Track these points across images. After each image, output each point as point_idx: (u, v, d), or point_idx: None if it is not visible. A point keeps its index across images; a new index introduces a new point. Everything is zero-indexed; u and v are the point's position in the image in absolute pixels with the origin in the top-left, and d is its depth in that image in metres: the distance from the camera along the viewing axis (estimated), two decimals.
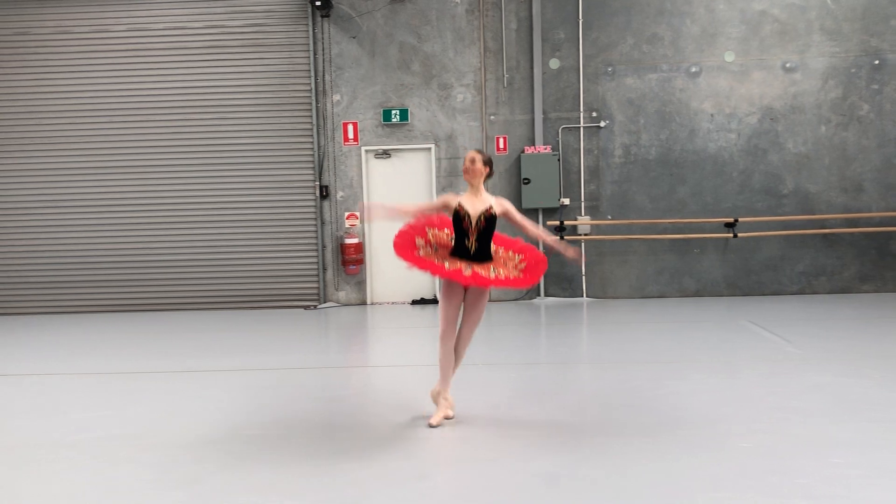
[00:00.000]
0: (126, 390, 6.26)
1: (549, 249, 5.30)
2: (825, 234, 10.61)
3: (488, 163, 5.04)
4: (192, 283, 10.99)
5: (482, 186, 5.00)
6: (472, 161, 4.97)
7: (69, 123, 10.98)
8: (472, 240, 4.87)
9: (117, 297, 11.00)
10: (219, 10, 10.87)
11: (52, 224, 11.04)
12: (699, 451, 4.33)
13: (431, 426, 4.85)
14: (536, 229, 5.15)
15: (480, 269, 4.75)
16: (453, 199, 4.96)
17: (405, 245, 4.92)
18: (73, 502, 3.86)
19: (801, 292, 10.70)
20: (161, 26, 10.90)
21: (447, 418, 4.97)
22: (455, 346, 5.02)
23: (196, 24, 10.88)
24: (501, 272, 4.82)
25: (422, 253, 4.90)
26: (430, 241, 5.04)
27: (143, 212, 11.00)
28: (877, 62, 10.51)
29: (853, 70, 10.55)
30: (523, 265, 4.96)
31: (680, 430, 4.71)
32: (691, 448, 4.38)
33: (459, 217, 4.89)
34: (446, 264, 4.76)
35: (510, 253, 5.06)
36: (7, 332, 9.60)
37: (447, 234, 5.08)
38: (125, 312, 10.90)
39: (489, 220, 4.89)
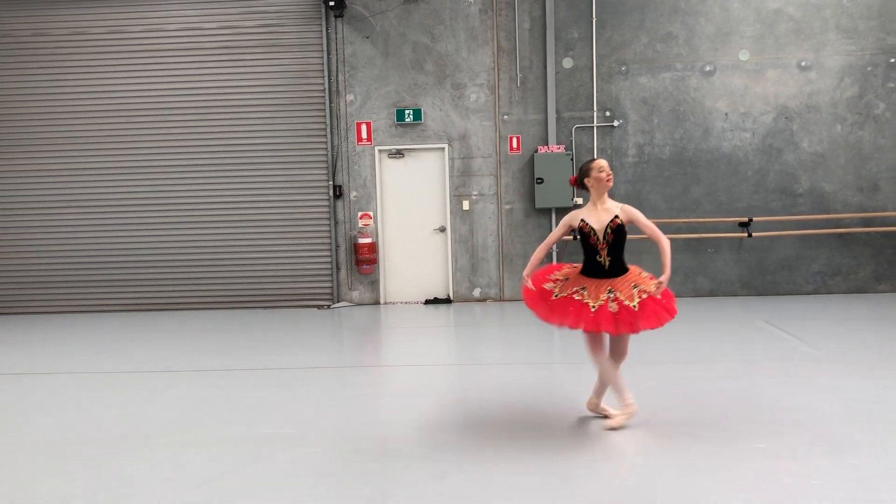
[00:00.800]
0: (141, 389, 6.30)
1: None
2: (841, 234, 10.55)
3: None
4: (207, 283, 11.06)
5: (606, 195, 4.77)
6: (609, 173, 4.72)
7: (85, 124, 11.06)
8: (604, 255, 4.64)
9: (133, 296, 11.07)
10: (233, 10, 10.92)
11: (69, 224, 11.12)
12: (715, 451, 4.32)
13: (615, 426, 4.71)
14: (662, 240, 4.64)
15: (621, 293, 4.49)
16: (575, 218, 4.77)
17: (536, 299, 4.75)
18: (91, 500, 3.90)
19: (816, 292, 10.64)
20: (175, 27, 10.96)
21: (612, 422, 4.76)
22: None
23: (210, 25, 10.94)
24: (615, 299, 4.50)
25: (555, 289, 4.69)
26: (558, 279, 4.79)
27: (157, 212, 11.07)
28: (893, 60, 10.43)
29: (869, 68, 10.47)
30: (641, 297, 4.54)
31: (696, 431, 4.70)
32: (707, 449, 4.37)
33: (585, 234, 4.69)
34: (591, 304, 4.50)
35: (638, 276, 4.69)
36: (25, 330, 9.69)
37: (568, 269, 4.84)
38: (140, 312, 10.98)
39: (616, 231, 4.64)
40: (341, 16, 10.81)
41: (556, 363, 6.98)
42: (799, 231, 10.52)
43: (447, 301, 10.94)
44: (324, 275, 11.05)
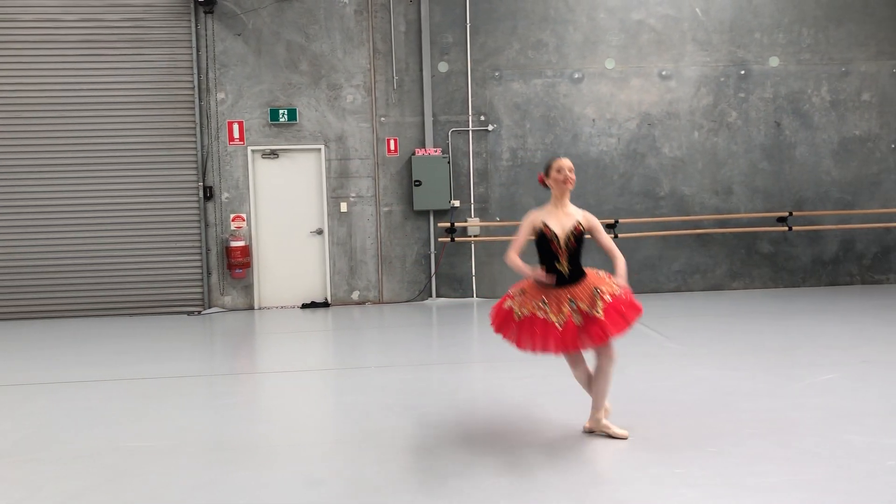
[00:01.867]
0: None
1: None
2: (699, 235, 11.19)
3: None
4: (69, 289, 10.40)
5: (568, 199, 4.55)
6: (571, 169, 4.51)
7: None
8: (563, 262, 4.41)
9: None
10: (95, 2, 10.35)
11: None
12: (583, 445, 4.47)
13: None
14: (618, 256, 4.57)
15: (583, 303, 4.30)
16: (537, 220, 4.51)
17: (502, 321, 4.51)
18: None
19: (677, 290, 11.24)
20: (30, 17, 10.27)
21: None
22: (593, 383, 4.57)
23: (70, 17, 10.32)
24: (604, 290, 4.34)
25: (515, 306, 4.41)
26: (513, 294, 4.54)
27: (11, 214, 10.32)
28: (743, 72, 11.18)
29: (722, 79, 11.18)
30: (605, 302, 4.33)
31: (566, 425, 4.84)
32: (573, 443, 4.52)
33: (546, 239, 4.45)
34: (556, 322, 4.27)
35: (600, 280, 4.46)
36: None
37: (524, 282, 4.57)
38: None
39: (579, 238, 4.45)
40: (211, 12, 10.47)
41: (435, 364, 7.03)
42: (661, 232, 11.08)
43: (325, 305, 10.81)
44: (194, 279, 10.65)
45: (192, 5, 10.40)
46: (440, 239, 10.83)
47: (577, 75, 11.03)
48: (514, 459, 4.28)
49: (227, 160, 10.66)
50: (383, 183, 10.86)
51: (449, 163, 10.77)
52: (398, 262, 10.93)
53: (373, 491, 3.88)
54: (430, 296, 10.98)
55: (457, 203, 10.89)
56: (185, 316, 10.33)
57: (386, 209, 10.87)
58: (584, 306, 4.32)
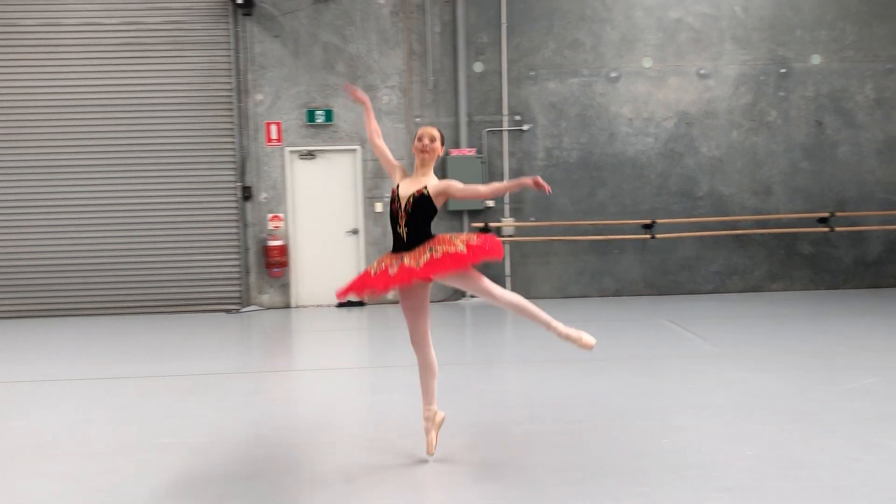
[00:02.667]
0: (35, 398, 6.01)
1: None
2: (737, 235, 11.03)
3: (444, 140, 4.39)
4: (111, 287, 10.62)
5: (430, 169, 4.32)
6: (432, 139, 4.27)
7: None
8: (402, 226, 4.20)
9: (31, 301, 10.52)
10: (136, 6, 10.55)
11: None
12: (620, 446, 4.45)
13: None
14: (491, 185, 4.35)
15: (411, 259, 4.08)
16: (395, 178, 4.36)
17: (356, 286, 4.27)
18: None
19: (715, 291, 11.09)
20: (74, 21, 10.51)
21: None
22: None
23: (112, 21, 10.54)
24: (439, 249, 4.11)
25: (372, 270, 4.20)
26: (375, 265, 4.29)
27: (58, 214, 10.57)
28: (783, 70, 11.00)
29: (762, 77, 11.01)
30: (470, 242, 4.20)
31: (598, 427, 4.82)
32: (612, 444, 4.49)
33: (391, 199, 4.30)
34: (372, 270, 4.16)
35: (454, 238, 4.26)
36: None
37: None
38: (39, 318, 10.45)
39: (418, 201, 4.19)
40: (250, 14, 10.60)
41: (467, 364, 7.03)
42: (699, 233, 10.95)
43: (360, 304, 10.87)
44: (233, 278, 10.80)
45: (230, 7, 10.54)
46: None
47: (613, 74, 10.95)
48: (545, 460, 4.26)
49: (265, 161, 10.79)
50: None
51: (483, 163, 10.77)
52: None
53: (408, 489, 3.90)
54: (464, 296, 10.99)
55: (491, 203, 10.88)
56: (224, 314, 10.48)
57: None
58: (407, 261, 4.09)
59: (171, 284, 10.69)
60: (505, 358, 7.38)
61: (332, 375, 6.72)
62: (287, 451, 4.59)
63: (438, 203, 4.26)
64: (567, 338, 4.42)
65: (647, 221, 10.86)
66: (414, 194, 4.21)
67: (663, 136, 11.00)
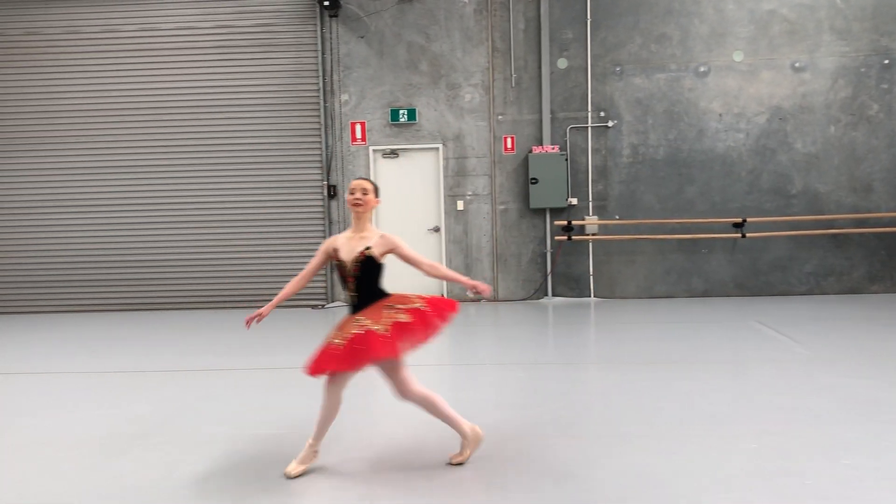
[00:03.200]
0: (130, 388, 6.28)
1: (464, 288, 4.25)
2: (834, 235, 10.57)
3: (377, 191, 4.30)
4: (200, 282, 11.02)
5: (368, 222, 4.22)
6: (364, 191, 4.16)
7: (77, 123, 11.03)
8: (351, 289, 4.12)
9: (125, 296, 11.03)
10: (228, 10, 10.90)
11: (60, 223, 11.08)
12: (707, 451, 4.32)
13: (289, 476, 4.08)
14: (436, 267, 4.23)
15: (369, 320, 3.96)
16: (330, 245, 4.23)
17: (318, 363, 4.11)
18: (79, 499, 3.88)
19: (809, 293, 10.66)
20: (170, 26, 10.94)
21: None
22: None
23: (205, 24, 10.92)
24: (400, 307, 4.01)
25: (335, 339, 4.05)
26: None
27: (150, 211, 11.04)
28: (887, 62, 10.46)
29: (863, 70, 10.50)
30: (421, 306, 4.06)
31: (687, 430, 4.69)
32: (699, 448, 4.37)
33: (335, 265, 4.21)
34: (337, 342, 4.00)
35: (402, 300, 4.12)
36: (16, 330, 9.65)
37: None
38: (132, 311, 10.94)
39: (363, 264, 4.09)
40: (336, 15, 10.80)
41: (549, 363, 6.97)
42: (792, 232, 10.53)
43: None
44: (318, 275, 11.01)
45: (318, 10, 10.76)
46: (556, 237, 10.73)
47: (702, 69, 10.65)
48: (627, 464, 4.18)
49: (349, 160, 10.96)
50: (499, 181, 10.87)
51: (567, 160, 10.66)
52: (514, 260, 10.91)
53: (484, 488, 3.89)
54: (546, 295, 10.90)
55: (574, 201, 10.76)
56: (310, 310, 10.71)
57: (502, 207, 10.88)
58: (368, 323, 3.94)
59: (259, 280, 11.00)
60: (588, 358, 7.28)
61: (413, 371, 6.76)
62: (368, 444, 4.64)
63: (381, 259, 4.16)
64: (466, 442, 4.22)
65: (738, 220, 10.53)
66: (358, 257, 4.10)
67: (755, 132, 10.63)
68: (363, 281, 4.11)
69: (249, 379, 6.49)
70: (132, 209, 11.00)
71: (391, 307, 4.02)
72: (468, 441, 4.23)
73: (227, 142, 10.97)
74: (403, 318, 3.96)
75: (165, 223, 11.02)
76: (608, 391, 5.82)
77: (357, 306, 4.12)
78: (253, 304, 10.98)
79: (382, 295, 4.13)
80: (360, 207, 4.16)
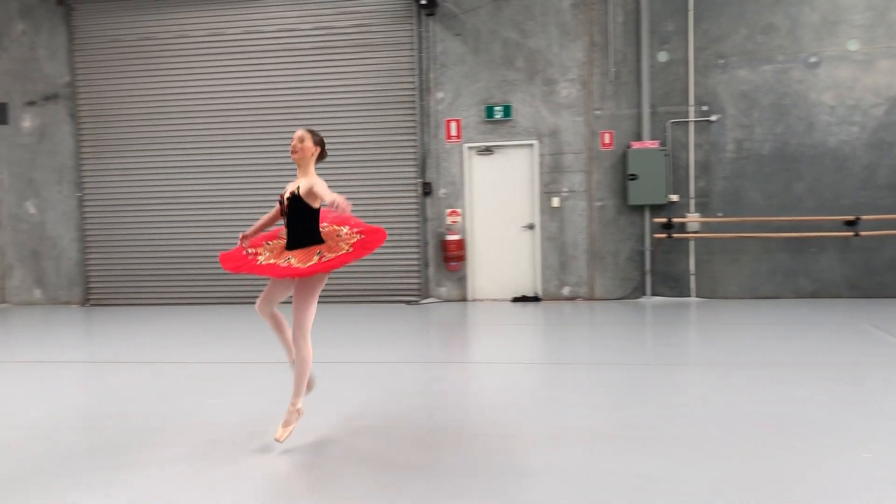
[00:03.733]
0: (235, 378, 6.50)
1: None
2: None
3: (320, 143, 4.58)
4: None
5: (310, 169, 4.50)
6: (301, 139, 4.50)
7: (185, 123, 11.53)
8: (285, 226, 4.42)
9: (226, 289, 11.45)
10: (328, 11, 11.15)
11: (166, 220, 11.59)
12: (816, 459, 4.11)
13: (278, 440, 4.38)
14: (333, 195, 4.28)
15: (296, 258, 4.24)
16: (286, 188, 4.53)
17: (229, 258, 4.52)
18: (190, 483, 4.04)
19: None
20: (273, 28, 11.27)
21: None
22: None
23: (306, 26, 11.20)
24: (293, 260, 4.23)
25: (260, 256, 4.40)
26: (267, 247, 4.53)
27: (253, 208, 11.40)
28: None
29: None
30: (356, 239, 4.43)
31: (794, 437, 4.48)
32: (807, 456, 4.16)
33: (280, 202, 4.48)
34: (260, 259, 4.35)
35: (345, 230, 4.50)
36: (122, 321, 10.16)
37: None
38: (233, 305, 11.34)
39: (291, 202, 4.37)
40: (433, 14, 10.87)
41: (646, 364, 6.80)
42: None
43: (535, 299, 10.85)
44: (413, 271, 11.15)
45: (414, 8, 10.86)
46: (656, 235, 10.47)
47: (812, 59, 10.15)
48: (725, 470, 4.02)
49: (444, 157, 11.02)
50: (596, 177, 10.69)
51: (667, 155, 10.37)
52: (611, 258, 10.71)
53: (583, 489, 3.82)
54: (644, 294, 10.64)
55: (675, 197, 10.46)
56: (405, 305, 10.83)
57: (599, 204, 10.69)
58: (293, 261, 4.23)
59: (356, 276, 11.20)
60: (688, 359, 7.06)
61: (507, 369, 6.73)
62: (461, 441, 4.64)
63: (312, 202, 4.35)
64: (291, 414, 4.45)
65: (851, 218, 9.99)
66: (288, 196, 4.39)
67: (871, 125, 10.05)
68: (294, 219, 4.37)
69: (345, 371, 6.61)
70: (235, 207, 11.40)
71: (321, 254, 4.27)
72: (297, 416, 4.46)
73: (326, 141, 11.19)
74: (328, 256, 4.24)
75: None
76: (707, 394, 5.62)
77: (290, 244, 4.38)
78: (350, 300, 11.20)
79: (315, 240, 4.37)
80: (296, 155, 4.50)
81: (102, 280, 11.88)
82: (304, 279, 4.29)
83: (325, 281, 4.44)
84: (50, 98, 11.81)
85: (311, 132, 4.58)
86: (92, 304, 11.86)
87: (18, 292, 12.09)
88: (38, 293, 12.04)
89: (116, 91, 11.67)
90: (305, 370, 4.44)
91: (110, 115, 11.71)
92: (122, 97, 11.66)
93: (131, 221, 11.75)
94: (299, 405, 4.49)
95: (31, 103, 11.85)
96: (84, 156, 11.81)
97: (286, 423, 4.44)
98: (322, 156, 4.65)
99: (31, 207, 11.97)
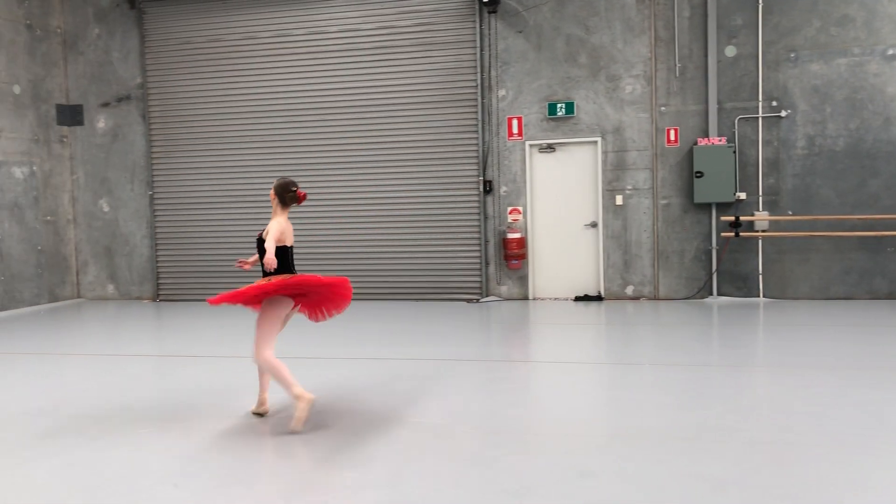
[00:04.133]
0: (306, 369, 6.59)
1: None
2: None
3: (277, 189, 5.26)
4: (358, 275, 11.42)
5: (280, 213, 5.24)
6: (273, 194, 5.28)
7: (251, 123, 11.74)
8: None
9: None
10: (390, 11, 11.22)
11: (236, 217, 11.83)
12: (888, 465, 3.95)
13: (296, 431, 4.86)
14: (268, 252, 4.95)
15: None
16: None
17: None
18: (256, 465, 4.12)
19: None
20: (336, 29, 11.40)
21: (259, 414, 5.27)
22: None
23: (368, 26, 11.29)
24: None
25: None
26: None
27: (315, 207, 11.56)
28: None
29: None
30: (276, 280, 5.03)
31: (867, 441, 4.31)
32: (881, 461, 4.00)
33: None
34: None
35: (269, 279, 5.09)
36: (192, 316, 10.42)
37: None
38: None
39: (258, 242, 5.20)
40: (495, 11, 10.83)
41: (713, 365, 6.65)
42: None
43: (598, 298, 10.72)
44: (473, 269, 11.14)
45: (476, 6, 10.84)
46: (723, 234, 10.23)
47: (891, 52, 9.77)
48: (796, 476, 3.89)
49: (505, 155, 10.98)
50: (661, 175, 10.50)
51: (735, 152, 10.12)
52: (676, 257, 10.51)
53: (647, 490, 3.76)
54: (711, 294, 10.41)
55: (742, 195, 10.20)
56: (465, 303, 10.83)
57: (664, 202, 10.50)
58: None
59: (417, 273, 11.25)
60: (757, 361, 6.87)
61: (569, 369, 6.67)
62: (523, 439, 4.62)
63: (268, 244, 4.98)
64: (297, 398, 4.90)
65: None
66: (258, 237, 5.24)
67: None
68: (260, 254, 5.19)
69: (406, 369, 6.64)
70: (294, 208, 11.55)
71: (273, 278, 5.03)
72: (301, 403, 4.84)
73: (387, 140, 11.29)
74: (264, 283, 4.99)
75: (326, 219, 11.51)
76: (778, 396, 5.46)
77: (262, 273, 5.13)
78: (410, 297, 11.25)
79: (284, 270, 5.11)
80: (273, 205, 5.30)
81: (172, 276, 12.21)
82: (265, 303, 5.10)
83: (282, 309, 5.08)
84: (123, 99, 12.20)
85: (275, 182, 5.34)
86: (161, 300, 12.20)
87: (93, 287, 12.52)
88: (111, 288, 12.45)
89: (185, 92, 11.98)
90: (277, 374, 4.92)
91: (179, 115, 12.03)
92: (190, 98, 11.96)
93: (199, 219, 12.04)
94: (297, 392, 4.86)
95: (106, 105, 12.26)
96: (155, 155, 12.16)
97: (298, 414, 4.85)
98: (284, 203, 5.28)
99: (104, 205, 12.39)
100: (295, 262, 5.27)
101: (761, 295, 10.28)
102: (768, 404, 5.29)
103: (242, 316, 10.15)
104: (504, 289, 11.07)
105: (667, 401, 5.39)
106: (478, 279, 11.12)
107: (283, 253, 5.09)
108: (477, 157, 11.02)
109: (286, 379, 4.88)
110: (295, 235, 5.41)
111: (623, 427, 4.80)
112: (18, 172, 11.38)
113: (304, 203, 5.65)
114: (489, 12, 10.85)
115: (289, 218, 5.29)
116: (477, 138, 11.00)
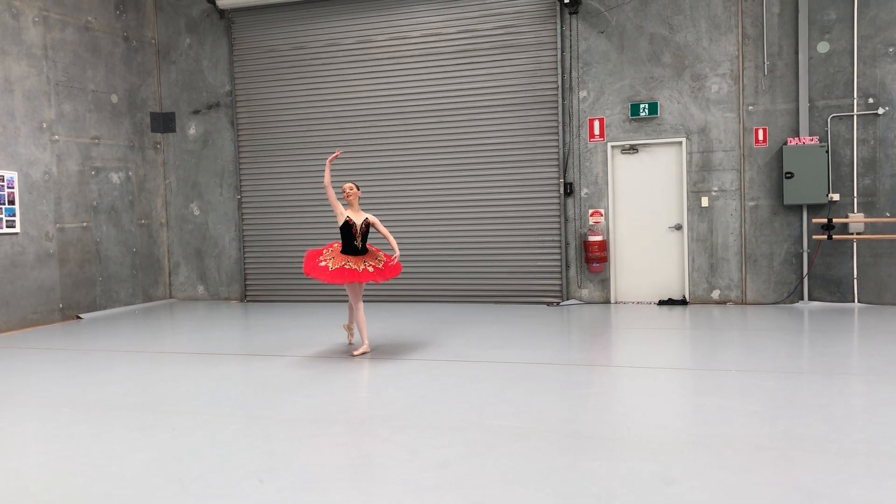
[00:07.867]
0: (382, 375, 6.69)
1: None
2: None
3: (358, 187, 7.61)
4: (440, 277, 11.50)
5: (357, 204, 7.49)
6: (352, 188, 7.47)
7: (334, 128, 11.99)
8: (359, 240, 7.39)
9: (369, 289, 11.80)
10: (472, 14, 11.27)
11: (320, 220, 12.08)
12: None
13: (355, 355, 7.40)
14: (390, 238, 7.50)
15: (361, 264, 7.30)
16: (343, 214, 7.39)
17: (315, 271, 7.27)
18: (337, 474, 4.20)
19: None
20: (418, 33, 11.53)
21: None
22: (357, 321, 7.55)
23: (450, 30, 11.37)
24: (370, 265, 7.35)
25: (329, 264, 7.26)
26: (328, 257, 7.37)
27: (397, 210, 11.71)
28: None
29: None
30: (382, 263, 7.50)
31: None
32: None
33: (349, 225, 7.36)
34: (356, 268, 7.27)
35: (376, 252, 7.60)
36: (277, 315, 10.70)
37: (333, 250, 7.49)
38: (375, 303, 11.68)
39: (364, 227, 7.44)
40: (576, 12, 10.75)
41: (804, 373, 6.42)
42: None
43: (683, 302, 10.49)
44: (554, 272, 11.07)
45: (557, 8, 10.78)
46: (815, 236, 9.86)
47: None
48: (889, 486, 3.72)
49: (586, 157, 10.87)
50: (749, 175, 10.20)
51: (827, 152, 9.75)
52: (764, 260, 10.19)
53: (734, 499, 3.66)
54: (801, 298, 10.05)
55: (836, 196, 9.81)
56: (545, 306, 10.77)
57: (751, 203, 10.19)
58: (372, 262, 7.43)
59: (497, 276, 11.26)
60: (851, 369, 6.60)
61: (652, 374, 6.55)
62: (604, 445, 4.57)
63: (388, 236, 7.53)
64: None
65: None
66: (364, 222, 7.47)
67: None
68: (365, 237, 7.46)
69: (488, 372, 6.66)
70: (377, 209, 11.74)
71: (377, 256, 7.53)
72: (364, 347, 7.54)
73: (468, 142, 11.34)
74: (377, 265, 7.45)
75: (408, 222, 11.64)
76: (874, 406, 5.24)
77: (358, 252, 7.41)
78: (490, 300, 11.26)
79: (367, 248, 7.54)
80: (349, 198, 7.48)
81: (259, 277, 12.58)
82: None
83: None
84: (212, 107, 12.64)
85: (353, 183, 7.58)
86: (248, 301, 12.58)
87: (184, 288, 13.01)
88: (200, 289, 12.91)
89: (271, 98, 12.33)
90: (363, 322, 7.55)
91: (266, 121, 12.38)
92: (276, 104, 12.30)
93: (284, 222, 12.37)
94: (367, 339, 7.59)
95: (196, 112, 12.73)
96: (242, 160, 12.56)
97: (363, 349, 7.52)
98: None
99: (195, 209, 12.86)
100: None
101: (856, 300, 9.87)
102: (863, 414, 5.08)
103: (325, 316, 10.41)
104: (585, 292, 10.96)
105: (754, 408, 5.24)
106: (558, 282, 11.04)
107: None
108: (557, 159, 10.96)
109: (363, 327, 7.52)
110: (378, 239, 7.41)
111: (708, 434, 4.69)
112: (115, 178, 11.94)
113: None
114: (570, 13, 10.77)
115: (373, 215, 7.86)
116: (557, 140, 10.94)
